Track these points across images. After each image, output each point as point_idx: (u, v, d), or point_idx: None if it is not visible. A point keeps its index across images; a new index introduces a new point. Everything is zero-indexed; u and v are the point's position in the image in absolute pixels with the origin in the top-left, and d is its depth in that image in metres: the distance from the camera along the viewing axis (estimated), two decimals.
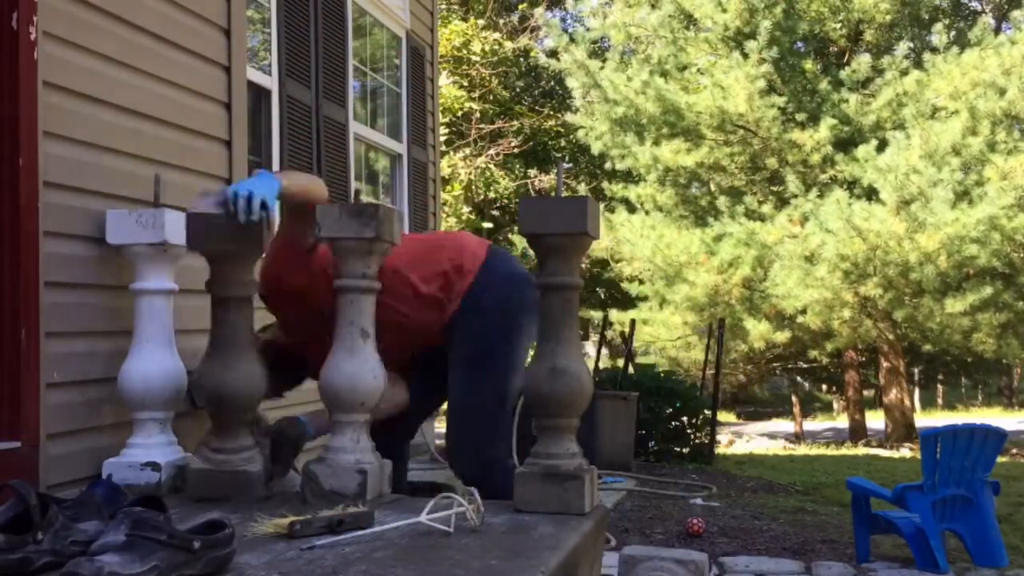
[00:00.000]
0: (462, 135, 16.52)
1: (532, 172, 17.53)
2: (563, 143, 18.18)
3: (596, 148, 14.32)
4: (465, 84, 16.47)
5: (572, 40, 14.03)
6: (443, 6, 16.33)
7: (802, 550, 4.34)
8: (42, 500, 2.05)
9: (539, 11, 17.87)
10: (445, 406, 3.13)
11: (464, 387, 2.91)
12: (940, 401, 29.95)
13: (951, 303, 11.42)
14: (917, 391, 25.52)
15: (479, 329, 2.90)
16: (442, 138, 14.31)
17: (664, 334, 13.95)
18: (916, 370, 21.37)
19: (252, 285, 2.95)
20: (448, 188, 15.27)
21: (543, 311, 2.59)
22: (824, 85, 13.42)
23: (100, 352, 3.25)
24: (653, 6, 14.05)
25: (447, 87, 15.53)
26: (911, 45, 13.67)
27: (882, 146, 12.05)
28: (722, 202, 13.54)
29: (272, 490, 2.95)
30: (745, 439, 14.77)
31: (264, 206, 2.58)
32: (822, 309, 11.99)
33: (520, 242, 16.79)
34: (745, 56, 12.72)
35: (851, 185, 12.56)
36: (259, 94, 4.77)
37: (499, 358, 2.90)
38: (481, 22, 17.32)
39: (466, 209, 15.99)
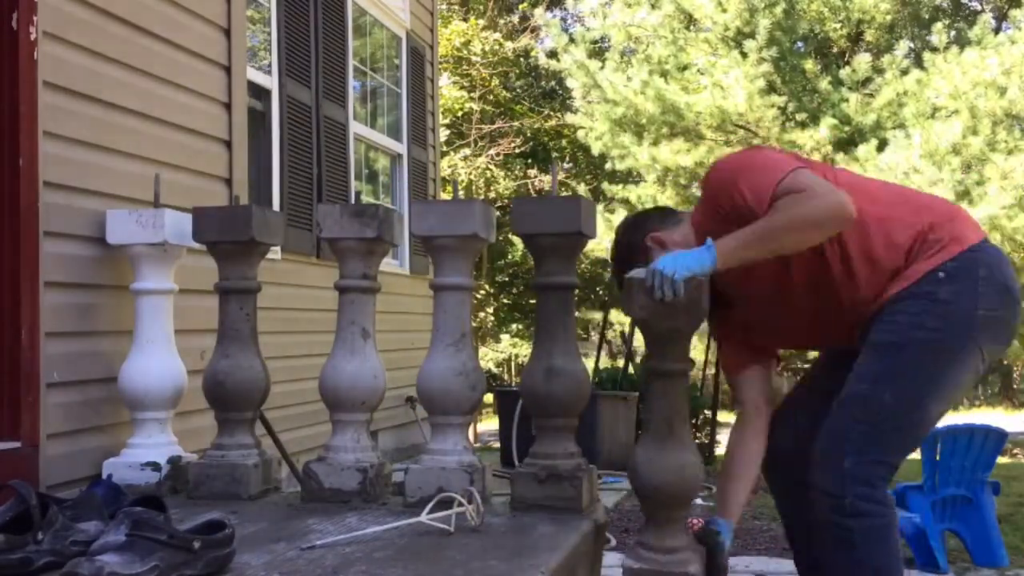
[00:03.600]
0: (462, 135, 16.51)
1: (532, 172, 17.53)
2: (563, 143, 18.18)
3: (596, 148, 14.30)
4: (465, 84, 16.47)
5: (572, 40, 14.03)
6: (443, 6, 16.33)
7: None
8: (42, 500, 2.05)
9: (539, 11, 17.85)
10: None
11: (867, 373, 2.25)
12: None
13: None
14: None
15: (931, 315, 2.21)
16: (442, 138, 14.31)
17: None
18: None
19: (254, 279, 2.96)
20: (447, 188, 15.26)
21: (539, 310, 2.59)
22: (824, 85, 13.42)
23: (100, 352, 3.25)
24: (653, 6, 14.03)
25: (447, 87, 15.52)
26: (911, 45, 13.66)
27: (882, 146, 12.04)
28: None
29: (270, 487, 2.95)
30: None
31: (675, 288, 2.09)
32: None
33: (519, 242, 16.78)
34: (745, 56, 12.72)
35: None
36: (259, 94, 4.77)
37: (929, 361, 2.23)
38: (481, 22, 17.32)
39: None
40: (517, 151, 17.18)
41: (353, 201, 5.61)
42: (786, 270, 2.33)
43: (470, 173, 16.16)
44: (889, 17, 13.76)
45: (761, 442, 2.50)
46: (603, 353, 10.87)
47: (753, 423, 2.51)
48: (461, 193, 15.94)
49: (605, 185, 15.47)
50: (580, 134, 14.53)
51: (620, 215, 14.03)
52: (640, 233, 2.50)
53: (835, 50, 14.56)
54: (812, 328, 2.45)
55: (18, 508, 2.01)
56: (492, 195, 16.75)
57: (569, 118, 15.14)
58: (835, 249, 2.29)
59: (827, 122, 12.50)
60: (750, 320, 2.53)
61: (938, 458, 4.14)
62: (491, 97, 17.10)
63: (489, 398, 9.55)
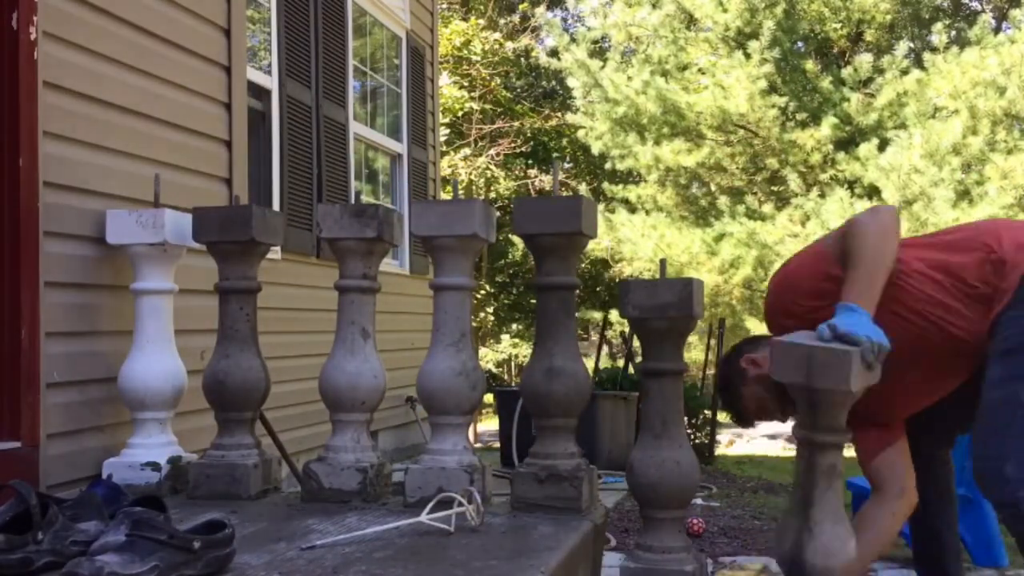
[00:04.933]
0: (462, 135, 16.51)
1: (532, 172, 17.53)
2: (564, 143, 18.18)
3: (596, 148, 14.32)
4: (465, 84, 16.47)
5: (573, 40, 14.04)
6: (443, 6, 16.33)
7: None
8: (42, 500, 2.05)
9: (540, 11, 17.87)
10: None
11: (999, 380, 2.31)
12: None
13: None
14: None
15: None
16: (442, 138, 14.31)
17: None
18: None
19: (254, 279, 2.96)
20: (447, 188, 15.26)
21: (540, 310, 2.60)
22: (825, 85, 13.43)
23: (100, 352, 3.25)
24: (653, 6, 14.04)
25: (447, 87, 15.52)
26: (911, 45, 13.66)
27: (883, 145, 12.05)
28: (723, 202, 13.55)
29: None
30: (745, 439, 14.74)
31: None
32: None
33: (519, 242, 16.79)
34: (747, 56, 12.73)
35: (852, 185, 12.56)
36: (259, 94, 4.78)
37: None
38: (481, 22, 17.32)
39: None
40: (517, 151, 17.18)
41: (353, 201, 5.61)
42: (919, 343, 2.45)
43: (470, 173, 16.16)
44: (889, 17, 13.76)
45: (894, 523, 2.69)
46: (603, 353, 10.87)
47: (891, 504, 2.71)
48: (461, 193, 15.94)
49: (605, 185, 15.48)
50: (580, 134, 14.53)
51: (620, 215, 14.05)
52: (736, 355, 2.73)
53: (835, 50, 14.56)
54: (944, 374, 2.57)
55: (18, 508, 2.01)
56: (492, 195, 16.74)
57: (569, 118, 15.15)
58: (939, 314, 2.44)
59: (828, 122, 12.50)
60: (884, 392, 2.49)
61: None
62: (491, 97, 17.10)
63: (489, 398, 9.55)
